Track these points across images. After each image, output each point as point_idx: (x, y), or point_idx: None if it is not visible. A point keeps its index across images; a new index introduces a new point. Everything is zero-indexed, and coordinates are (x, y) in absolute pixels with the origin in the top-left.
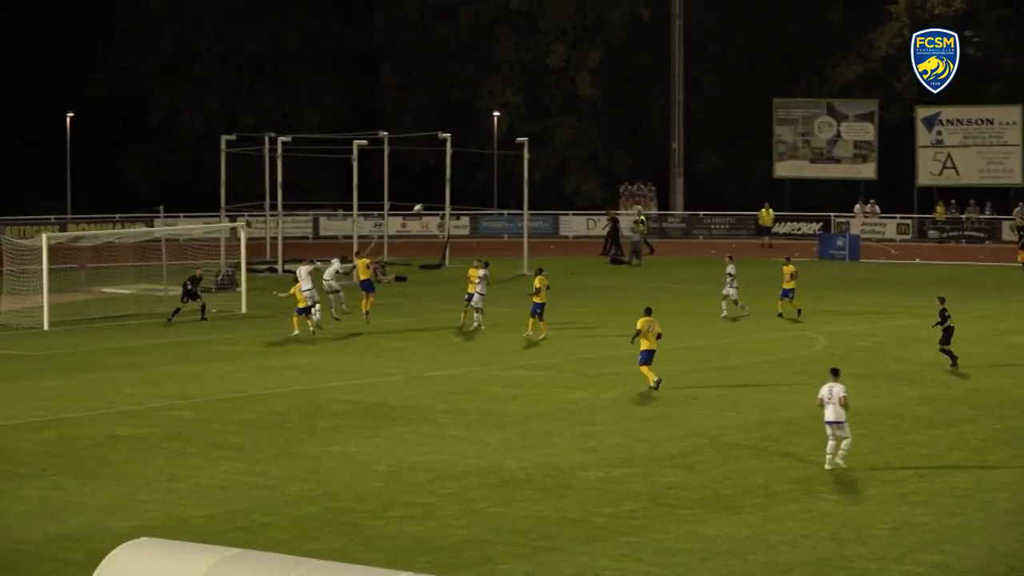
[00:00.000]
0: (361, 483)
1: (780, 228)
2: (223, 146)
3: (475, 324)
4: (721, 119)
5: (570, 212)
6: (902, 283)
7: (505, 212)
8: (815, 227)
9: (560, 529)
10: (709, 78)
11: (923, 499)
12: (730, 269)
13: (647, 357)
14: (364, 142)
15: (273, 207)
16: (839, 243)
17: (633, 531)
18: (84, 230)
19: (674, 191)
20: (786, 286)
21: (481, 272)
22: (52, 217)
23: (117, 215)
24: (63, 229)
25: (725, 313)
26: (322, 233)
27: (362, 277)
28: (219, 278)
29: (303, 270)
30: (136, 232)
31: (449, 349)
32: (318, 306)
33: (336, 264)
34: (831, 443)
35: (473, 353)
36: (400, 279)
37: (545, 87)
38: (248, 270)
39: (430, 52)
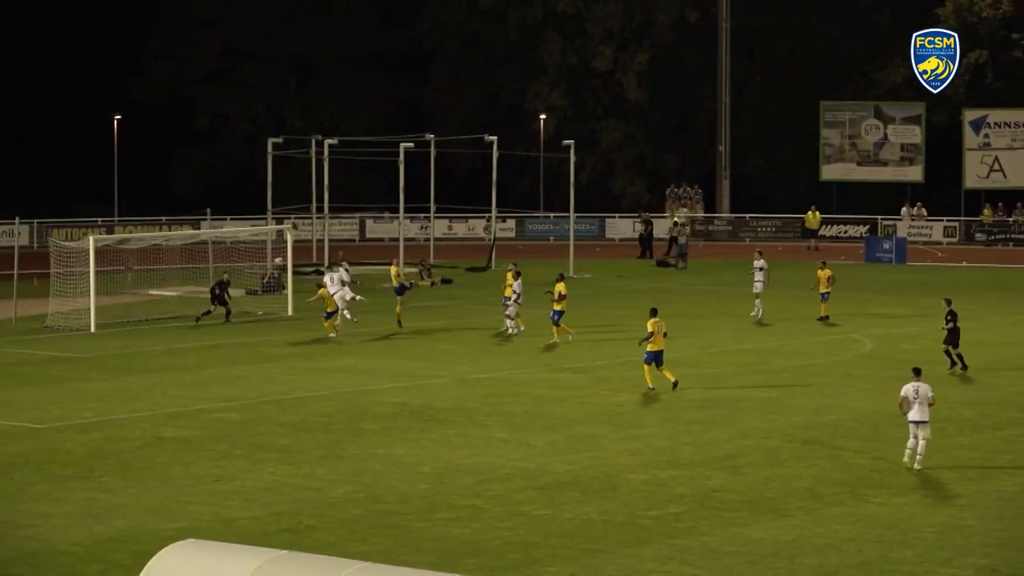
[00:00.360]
0: (407, 485)
1: (826, 231)
2: (270, 149)
3: (508, 329)
4: (767, 122)
5: (616, 215)
6: (949, 286)
7: (551, 215)
8: (862, 230)
9: (606, 532)
10: (756, 80)
11: (969, 502)
12: (759, 264)
13: (655, 357)
14: (411, 145)
15: (320, 210)
16: (885, 246)
17: (679, 533)
18: (131, 233)
19: (720, 194)
20: (822, 290)
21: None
22: (99, 220)
23: (164, 218)
24: (110, 232)
25: (756, 313)
26: (368, 236)
27: (394, 283)
28: (265, 280)
29: (335, 276)
30: (183, 235)
31: (494, 351)
32: (346, 311)
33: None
34: (913, 441)
35: (518, 356)
36: (446, 281)
37: (592, 90)
38: (294, 272)
39: (478, 55)
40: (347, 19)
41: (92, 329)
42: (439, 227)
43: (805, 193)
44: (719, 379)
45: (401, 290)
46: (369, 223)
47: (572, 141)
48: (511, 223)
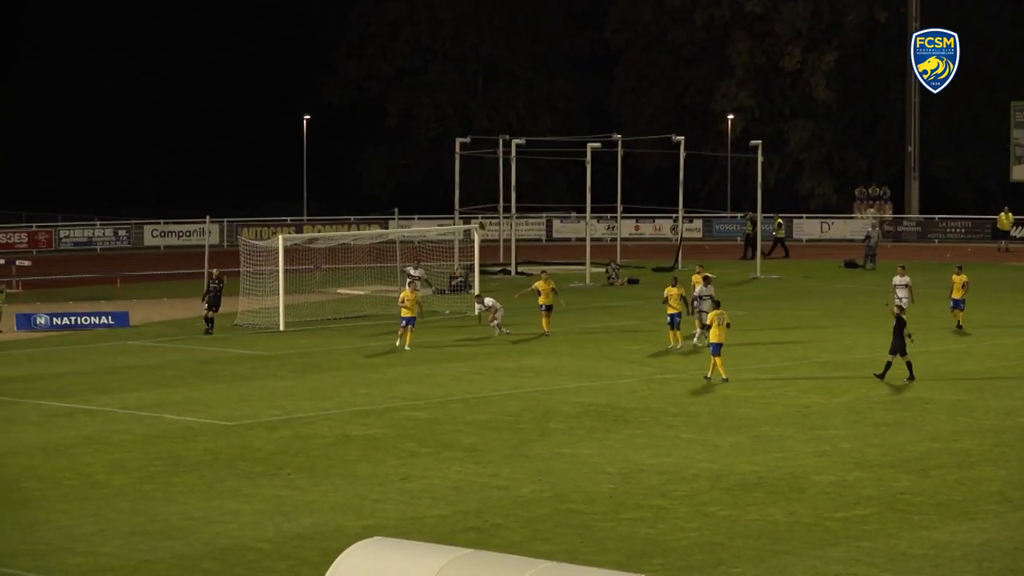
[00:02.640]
0: (593, 485)
1: (1017, 232)
2: (457, 148)
3: (695, 336)
4: (957, 122)
5: (804, 215)
6: None
7: (738, 215)
8: None
9: (791, 533)
10: None
11: None
12: (902, 280)
13: (717, 349)
14: (598, 145)
15: (507, 209)
16: None
17: (865, 536)
18: (319, 232)
19: (909, 195)
20: (955, 296)
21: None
22: (288, 219)
23: (352, 217)
24: (299, 231)
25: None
26: (555, 236)
27: (543, 302)
28: (453, 280)
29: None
30: (371, 234)
31: (680, 351)
32: (500, 310)
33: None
34: None
35: (705, 355)
36: (632, 282)
37: (780, 89)
38: (481, 272)
39: (664, 55)
40: (534, 19)
41: (281, 327)
42: (625, 227)
43: (995, 194)
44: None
45: (549, 309)
46: (556, 223)
47: (759, 141)
48: (697, 223)
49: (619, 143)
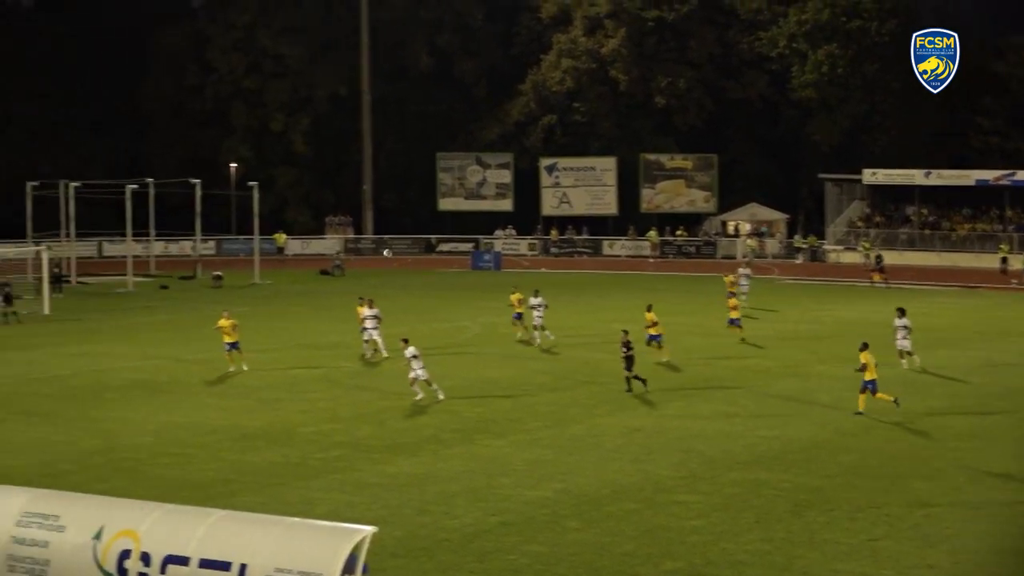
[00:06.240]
0: (137, 439)
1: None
2: (29, 191)
3: None
4: (399, 168)
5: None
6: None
7: (240, 237)
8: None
9: (285, 470)
10: None
11: None
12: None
13: (873, 386)
14: (135, 186)
15: (68, 234)
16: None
17: (338, 471)
18: None
19: (366, 219)
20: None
21: None
22: None
23: None
24: None
25: None
26: (105, 253)
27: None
28: (5, 288)
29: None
30: None
31: None
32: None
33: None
34: None
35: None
36: (164, 287)
37: (270, 144)
38: (64, 281)
39: (183, 120)
40: (74, 90)
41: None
42: (157, 247)
43: (426, 220)
44: None
45: None
46: (106, 244)
47: (256, 183)
48: (211, 243)
49: (151, 185)
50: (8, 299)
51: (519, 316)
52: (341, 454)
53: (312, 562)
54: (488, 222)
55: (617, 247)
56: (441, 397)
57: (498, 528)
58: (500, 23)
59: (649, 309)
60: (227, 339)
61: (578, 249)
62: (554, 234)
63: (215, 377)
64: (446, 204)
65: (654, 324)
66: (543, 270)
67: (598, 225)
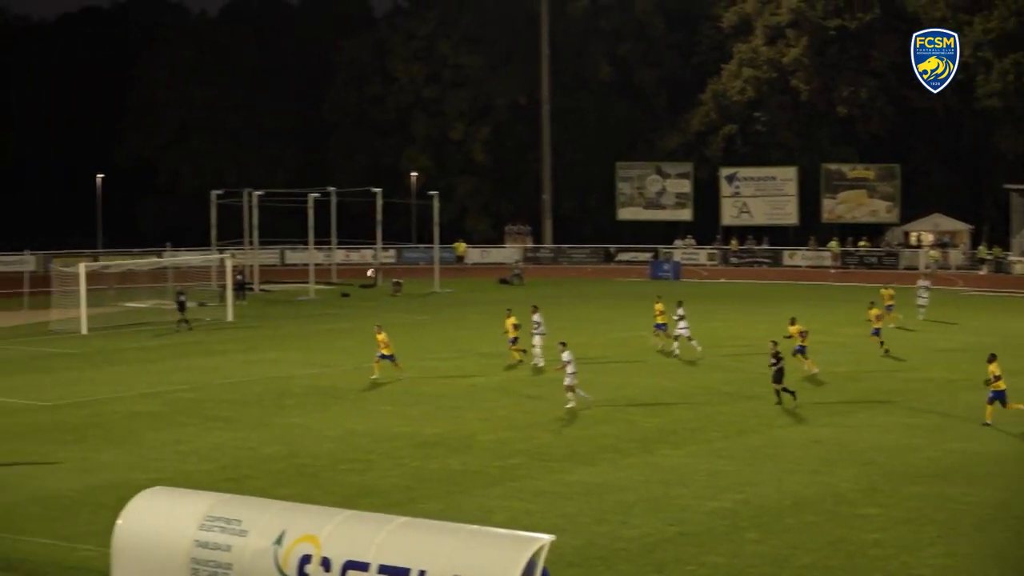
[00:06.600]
0: (317, 445)
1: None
2: (213, 199)
3: None
4: (578, 177)
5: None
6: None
7: (420, 246)
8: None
9: (464, 478)
10: None
11: None
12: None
13: (999, 396)
14: (317, 194)
15: (251, 243)
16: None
17: (516, 478)
18: (111, 260)
19: (544, 229)
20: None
21: None
22: (87, 250)
23: (135, 249)
24: (95, 259)
25: None
26: (287, 262)
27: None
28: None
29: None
30: (149, 262)
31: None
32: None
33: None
34: None
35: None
36: (345, 295)
37: (449, 153)
38: (247, 288)
39: (365, 129)
40: (271, 100)
41: (84, 332)
42: (339, 255)
43: (606, 229)
44: None
45: None
46: (287, 252)
47: (436, 192)
48: (392, 251)
49: (333, 193)
50: (182, 307)
51: (662, 327)
52: (519, 462)
53: (490, 570)
54: (667, 232)
55: (797, 257)
56: (589, 400)
57: (676, 538)
58: (680, 32)
59: (793, 322)
60: (384, 351)
61: (758, 259)
62: (734, 244)
63: (394, 385)
64: (625, 213)
65: (801, 334)
66: (722, 280)
67: (778, 235)
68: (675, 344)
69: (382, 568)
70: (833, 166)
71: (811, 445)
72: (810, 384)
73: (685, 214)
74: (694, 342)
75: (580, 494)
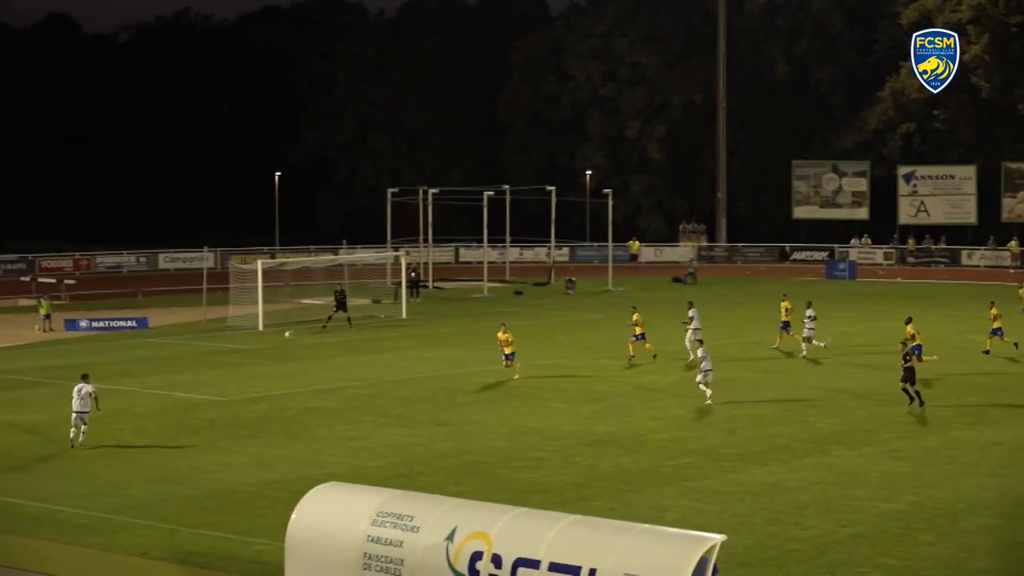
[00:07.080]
0: (489, 442)
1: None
2: (389, 197)
3: None
4: (753, 175)
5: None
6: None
7: (594, 244)
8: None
9: (636, 476)
10: None
11: None
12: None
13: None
14: (491, 192)
15: (425, 240)
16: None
17: (689, 478)
18: (288, 257)
19: (719, 228)
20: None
21: None
22: (264, 248)
23: (311, 246)
24: (272, 257)
25: None
26: (461, 259)
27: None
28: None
29: None
30: (325, 259)
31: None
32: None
33: None
34: None
35: (585, 350)
36: (518, 293)
37: (624, 152)
38: (421, 285)
39: (540, 127)
40: (445, 101)
41: (260, 328)
42: (512, 253)
43: (782, 227)
44: None
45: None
46: (462, 250)
47: (609, 190)
48: (565, 250)
49: (507, 191)
50: (342, 305)
51: (786, 325)
52: (692, 461)
53: (661, 569)
54: (843, 230)
55: (976, 257)
56: (708, 402)
57: (849, 540)
58: (859, 30)
59: (908, 322)
60: (507, 350)
61: (935, 259)
62: (911, 243)
63: (568, 383)
64: (801, 212)
65: (913, 336)
66: (898, 280)
67: (956, 234)
68: (803, 344)
69: (552, 566)
70: (1013, 165)
71: (990, 447)
72: (992, 387)
73: (861, 213)
74: (817, 342)
75: (752, 494)
